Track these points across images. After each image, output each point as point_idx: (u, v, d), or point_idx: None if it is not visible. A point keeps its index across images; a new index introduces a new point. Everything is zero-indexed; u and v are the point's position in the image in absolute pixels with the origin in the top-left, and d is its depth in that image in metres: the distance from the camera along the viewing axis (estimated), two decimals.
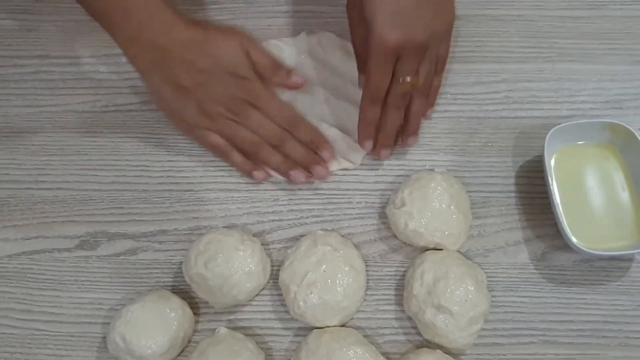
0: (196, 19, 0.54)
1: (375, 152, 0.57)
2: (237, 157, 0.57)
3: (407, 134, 0.57)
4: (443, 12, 0.51)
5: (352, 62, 0.58)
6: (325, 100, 0.60)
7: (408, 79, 0.50)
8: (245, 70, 0.53)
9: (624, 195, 0.55)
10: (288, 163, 0.56)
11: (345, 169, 0.59)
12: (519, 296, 0.54)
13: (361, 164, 0.59)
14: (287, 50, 0.62)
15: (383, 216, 0.57)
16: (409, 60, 0.49)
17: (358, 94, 0.54)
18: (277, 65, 0.55)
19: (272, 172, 0.58)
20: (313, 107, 0.60)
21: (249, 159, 0.57)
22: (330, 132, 0.59)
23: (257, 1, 0.65)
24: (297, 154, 0.56)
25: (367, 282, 0.54)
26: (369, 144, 0.56)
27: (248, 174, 0.58)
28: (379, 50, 0.48)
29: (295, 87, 0.56)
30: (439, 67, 0.56)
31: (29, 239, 0.57)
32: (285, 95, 0.59)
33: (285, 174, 0.57)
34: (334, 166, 0.58)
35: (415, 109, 0.55)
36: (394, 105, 0.53)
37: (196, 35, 0.52)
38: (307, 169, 0.57)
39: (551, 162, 0.56)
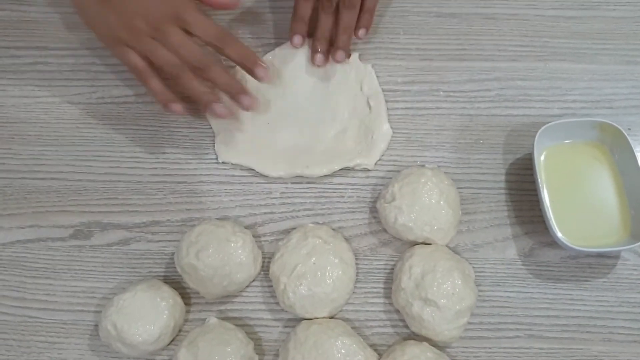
0: None
1: (311, 59, 0.59)
2: (156, 83, 0.53)
3: (335, 47, 0.59)
4: None
5: None
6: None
7: None
8: None
9: (612, 194, 0.56)
10: (211, 93, 0.53)
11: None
12: (506, 291, 0.55)
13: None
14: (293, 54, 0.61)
15: (374, 210, 0.57)
16: None
17: None
18: None
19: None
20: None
21: (171, 87, 0.53)
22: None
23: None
24: (222, 80, 0.53)
25: (357, 275, 0.55)
26: (298, 39, 0.59)
27: (165, 106, 0.53)
28: None
29: (223, 6, 0.54)
30: None
31: (23, 228, 0.58)
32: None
33: (207, 105, 0.53)
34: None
35: (343, 24, 0.57)
36: (322, 9, 0.57)
37: None
38: (233, 98, 0.54)
39: (541, 160, 0.57)
